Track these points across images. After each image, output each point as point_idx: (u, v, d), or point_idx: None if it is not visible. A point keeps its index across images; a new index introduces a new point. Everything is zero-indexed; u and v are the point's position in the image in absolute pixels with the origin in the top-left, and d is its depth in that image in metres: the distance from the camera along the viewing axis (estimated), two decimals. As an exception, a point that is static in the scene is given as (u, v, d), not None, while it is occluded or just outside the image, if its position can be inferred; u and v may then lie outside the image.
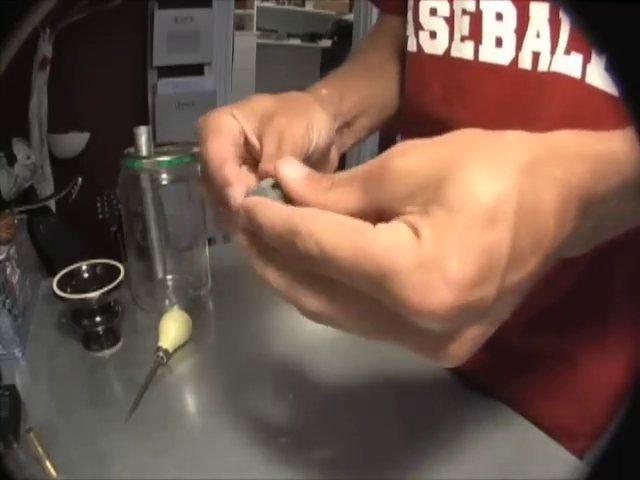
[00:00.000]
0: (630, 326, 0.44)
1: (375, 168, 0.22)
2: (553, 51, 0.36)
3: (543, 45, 0.36)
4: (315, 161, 0.34)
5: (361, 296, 0.21)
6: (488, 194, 0.19)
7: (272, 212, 0.23)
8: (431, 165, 0.20)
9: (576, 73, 0.35)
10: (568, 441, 0.44)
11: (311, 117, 0.32)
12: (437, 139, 0.21)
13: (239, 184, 0.28)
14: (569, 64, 0.35)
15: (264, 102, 0.33)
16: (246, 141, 0.31)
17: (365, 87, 0.46)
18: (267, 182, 0.26)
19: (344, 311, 0.22)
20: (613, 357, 0.45)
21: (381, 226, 0.20)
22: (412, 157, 0.21)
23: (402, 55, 0.50)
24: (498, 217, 0.19)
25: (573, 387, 0.46)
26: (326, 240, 0.20)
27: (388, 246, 0.19)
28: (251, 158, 0.32)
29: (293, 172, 0.24)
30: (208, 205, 0.32)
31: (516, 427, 0.44)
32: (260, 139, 0.31)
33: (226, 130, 0.30)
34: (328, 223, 0.21)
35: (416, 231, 0.19)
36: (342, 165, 0.26)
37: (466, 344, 0.21)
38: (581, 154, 0.22)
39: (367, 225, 0.20)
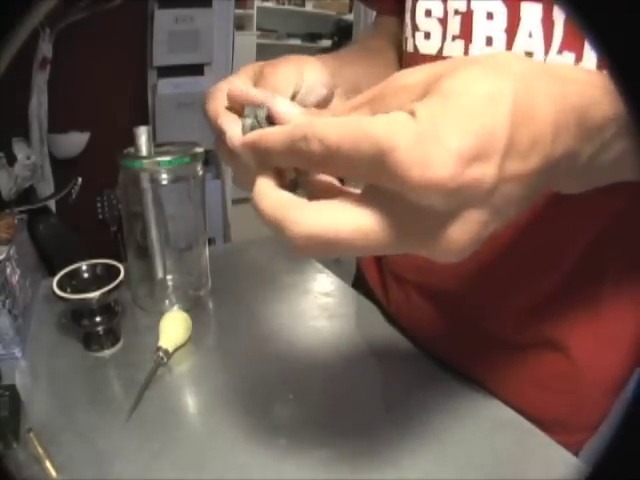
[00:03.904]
0: (625, 318, 0.44)
1: (379, 88, 0.23)
2: (547, 51, 0.36)
3: (536, 45, 0.37)
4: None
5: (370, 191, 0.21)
6: (486, 84, 0.20)
7: (274, 135, 0.24)
8: (430, 72, 0.21)
9: None
10: (563, 434, 0.44)
11: (300, 62, 0.33)
12: (428, 64, 0.23)
13: (232, 128, 0.28)
14: (562, 62, 0.36)
15: (258, 64, 0.34)
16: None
17: (362, 67, 0.45)
18: (260, 112, 0.27)
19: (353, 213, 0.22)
20: (608, 349, 0.45)
21: (380, 115, 0.20)
22: (413, 71, 0.22)
23: (399, 51, 0.51)
24: (497, 101, 0.19)
25: (568, 380, 0.46)
26: (328, 134, 0.21)
27: (386, 127, 0.19)
28: None
29: (290, 108, 0.27)
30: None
31: (516, 427, 0.44)
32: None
33: (220, 92, 0.31)
34: (329, 122, 0.21)
35: (413, 113, 0.20)
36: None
37: (468, 228, 0.21)
38: (577, 78, 0.22)
39: (366, 116, 0.21)
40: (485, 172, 0.19)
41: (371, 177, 0.21)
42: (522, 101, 0.20)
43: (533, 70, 0.21)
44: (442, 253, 0.22)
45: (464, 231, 0.21)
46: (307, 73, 0.32)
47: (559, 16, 0.35)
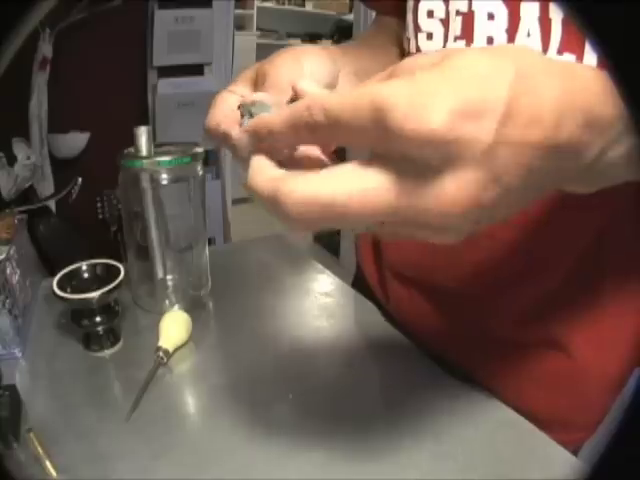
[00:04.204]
0: (625, 316, 0.44)
1: (390, 70, 0.24)
2: (545, 50, 0.36)
3: (534, 44, 0.37)
4: None
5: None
6: (490, 60, 0.20)
7: (275, 116, 0.24)
8: (440, 54, 0.22)
9: None
10: (562, 432, 0.44)
11: (298, 54, 0.33)
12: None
13: (234, 129, 0.28)
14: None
15: (255, 65, 0.34)
16: None
17: (365, 58, 0.44)
18: (254, 109, 0.28)
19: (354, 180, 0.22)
20: (608, 348, 0.45)
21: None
22: (424, 54, 0.23)
23: (401, 49, 0.51)
24: (498, 72, 0.20)
25: (568, 378, 0.46)
26: (330, 102, 0.21)
27: (383, 89, 0.20)
28: None
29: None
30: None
31: (516, 427, 0.44)
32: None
33: (219, 102, 0.31)
34: (331, 94, 0.22)
35: (412, 75, 0.21)
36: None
37: (464, 185, 0.21)
38: (585, 74, 0.22)
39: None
40: (480, 130, 0.20)
41: (372, 141, 0.21)
42: (525, 76, 0.20)
43: (544, 59, 0.22)
44: (441, 216, 0.21)
45: (461, 187, 0.21)
46: (306, 63, 0.32)
47: (556, 14, 0.35)
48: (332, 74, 0.34)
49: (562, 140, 0.21)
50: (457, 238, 0.23)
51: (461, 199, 0.21)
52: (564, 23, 0.35)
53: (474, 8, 0.39)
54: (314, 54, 0.33)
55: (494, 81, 0.20)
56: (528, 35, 0.37)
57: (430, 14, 0.43)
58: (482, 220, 0.23)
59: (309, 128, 0.23)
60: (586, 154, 0.22)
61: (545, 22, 0.36)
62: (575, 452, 0.49)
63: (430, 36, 0.43)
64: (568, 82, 0.21)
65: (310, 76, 0.32)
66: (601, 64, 0.32)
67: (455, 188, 0.21)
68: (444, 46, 0.42)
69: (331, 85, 0.35)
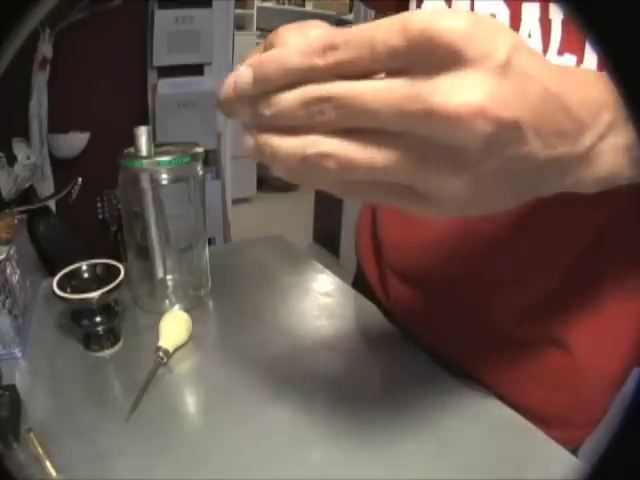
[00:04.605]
0: (625, 314, 0.44)
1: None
2: (545, 50, 0.36)
3: (535, 45, 0.37)
4: None
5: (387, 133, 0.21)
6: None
7: (289, 47, 0.22)
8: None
9: None
10: (561, 430, 0.44)
11: (304, 24, 0.31)
12: None
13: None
14: (563, 64, 0.36)
15: (259, 47, 0.32)
16: None
17: None
18: None
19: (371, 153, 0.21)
20: (608, 345, 0.46)
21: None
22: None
23: None
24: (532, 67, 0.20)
25: (568, 376, 0.46)
26: (369, 27, 0.20)
27: (428, 16, 0.19)
28: None
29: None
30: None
31: (515, 426, 0.44)
32: None
33: (229, 82, 0.29)
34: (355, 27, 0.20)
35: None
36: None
37: (483, 177, 0.21)
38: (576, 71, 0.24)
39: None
40: (515, 115, 0.20)
41: (418, 66, 0.20)
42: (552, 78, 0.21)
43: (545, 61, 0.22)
44: (456, 203, 0.22)
45: (480, 180, 0.21)
46: (312, 29, 0.30)
47: (556, 15, 0.35)
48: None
49: (590, 130, 0.22)
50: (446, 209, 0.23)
51: (475, 190, 0.21)
52: (564, 24, 0.35)
53: (476, 9, 0.39)
54: (319, 24, 0.32)
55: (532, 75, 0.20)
56: (529, 36, 0.37)
57: None
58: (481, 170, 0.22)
59: (339, 57, 0.20)
60: (585, 137, 0.23)
61: (545, 23, 0.36)
62: (575, 450, 0.49)
63: None
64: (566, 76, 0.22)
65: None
66: (601, 64, 0.32)
67: (472, 180, 0.21)
68: None
69: None
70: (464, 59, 0.19)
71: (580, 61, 0.35)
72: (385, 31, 0.19)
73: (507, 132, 0.20)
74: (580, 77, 0.24)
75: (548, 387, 0.47)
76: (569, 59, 0.36)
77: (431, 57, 0.19)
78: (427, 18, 0.19)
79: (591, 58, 0.35)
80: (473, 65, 0.19)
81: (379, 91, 0.20)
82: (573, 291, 0.44)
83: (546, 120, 0.21)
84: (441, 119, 0.19)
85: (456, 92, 0.19)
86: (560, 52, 0.36)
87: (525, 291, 0.45)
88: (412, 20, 0.19)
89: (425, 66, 0.20)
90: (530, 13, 0.37)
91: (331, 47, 0.20)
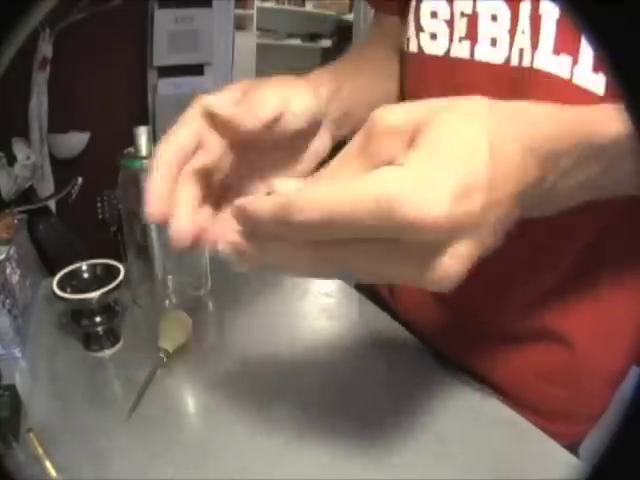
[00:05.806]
0: (625, 309, 0.45)
1: (363, 136, 0.25)
2: (535, 47, 0.37)
3: (526, 41, 0.38)
4: (299, 142, 0.35)
5: (357, 240, 0.23)
6: (466, 136, 0.23)
7: (264, 202, 0.24)
8: (411, 117, 0.24)
9: (565, 74, 0.36)
10: (563, 425, 0.45)
11: (290, 85, 0.33)
12: (406, 105, 0.25)
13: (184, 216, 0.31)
14: (559, 64, 0.36)
15: (249, 81, 0.34)
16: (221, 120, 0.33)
17: (360, 86, 0.44)
18: None
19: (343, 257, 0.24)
20: (608, 340, 0.46)
21: (370, 173, 0.22)
22: (392, 111, 0.24)
23: (398, 54, 0.51)
24: (477, 150, 0.22)
25: (568, 371, 0.47)
26: (324, 201, 0.21)
27: (384, 179, 0.21)
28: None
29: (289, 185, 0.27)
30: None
31: (515, 426, 0.44)
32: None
33: (167, 145, 0.33)
34: (322, 189, 0.22)
35: (404, 164, 0.22)
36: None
37: (457, 259, 0.23)
38: (536, 120, 0.26)
39: (357, 177, 0.22)
40: (472, 208, 0.22)
41: (375, 229, 0.22)
42: (495, 149, 0.23)
43: (499, 117, 0.24)
44: (436, 283, 0.24)
45: (455, 262, 0.23)
46: (295, 98, 0.32)
47: (547, 12, 0.36)
48: (314, 116, 0.34)
49: (528, 184, 0.24)
50: (450, 287, 0.25)
51: (454, 270, 0.23)
52: (558, 24, 0.36)
53: (478, 10, 0.40)
54: (304, 91, 0.33)
55: (476, 160, 0.22)
56: (523, 32, 0.38)
57: (434, 15, 0.43)
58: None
59: (302, 227, 0.22)
60: (541, 186, 0.26)
61: (535, 19, 0.37)
62: (576, 445, 0.49)
63: (434, 36, 0.44)
64: (525, 132, 0.24)
65: (292, 114, 0.32)
66: (597, 63, 0.32)
67: (449, 263, 0.23)
68: (449, 47, 0.43)
69: (313, 126, 0.35)
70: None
71: (575, 61, 0.36)
72: (354, 209, 0.21)
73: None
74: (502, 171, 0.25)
75: (550, 382, 0.47)
76: (565, 59, 0.36)
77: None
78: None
79: (587, 57, 0.35)
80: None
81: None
82: (573, 286, 0.44)
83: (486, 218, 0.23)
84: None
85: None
86: (556, 52, 0.36)
87: (526, 288, 0.46)
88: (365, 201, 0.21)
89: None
90: (524, 10, 0.37)
91: (305, 227, 0.22)
